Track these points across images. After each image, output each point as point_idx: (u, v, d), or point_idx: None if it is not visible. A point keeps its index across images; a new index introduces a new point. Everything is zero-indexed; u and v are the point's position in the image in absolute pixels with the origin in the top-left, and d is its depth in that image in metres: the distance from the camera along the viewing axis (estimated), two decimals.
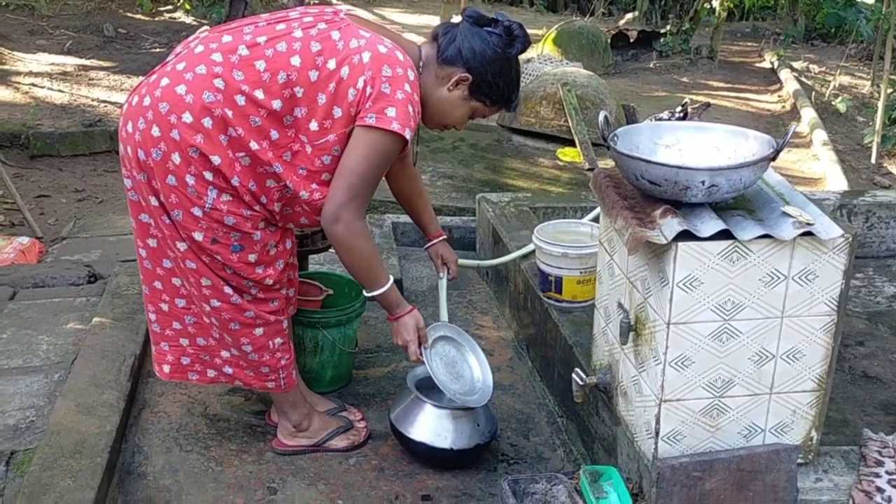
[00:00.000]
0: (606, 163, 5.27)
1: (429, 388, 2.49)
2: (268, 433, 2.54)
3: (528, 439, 2.59)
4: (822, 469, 2.09)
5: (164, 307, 2.30)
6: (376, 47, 2.08)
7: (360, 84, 2.04)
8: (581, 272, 2.70)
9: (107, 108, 6.73)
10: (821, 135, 6.90)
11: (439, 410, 2.40)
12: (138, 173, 2.10)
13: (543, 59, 7.40)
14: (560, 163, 5.79)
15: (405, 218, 4.02)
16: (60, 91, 7.01)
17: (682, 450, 2.00)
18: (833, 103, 7.88)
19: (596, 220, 2.81)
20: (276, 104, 2.05)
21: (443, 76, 2.19)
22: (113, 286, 3.25)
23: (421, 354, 2.32)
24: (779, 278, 1.88)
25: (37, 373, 2.76)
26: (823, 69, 9.24)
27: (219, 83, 2.03)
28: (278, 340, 2.33)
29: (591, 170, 5.49)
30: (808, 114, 7.47)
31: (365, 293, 2.29)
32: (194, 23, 9.24)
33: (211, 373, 2.37)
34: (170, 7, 9.92)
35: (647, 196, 1.99)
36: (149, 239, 2.21)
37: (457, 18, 2.31)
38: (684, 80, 9.21)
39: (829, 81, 8.54)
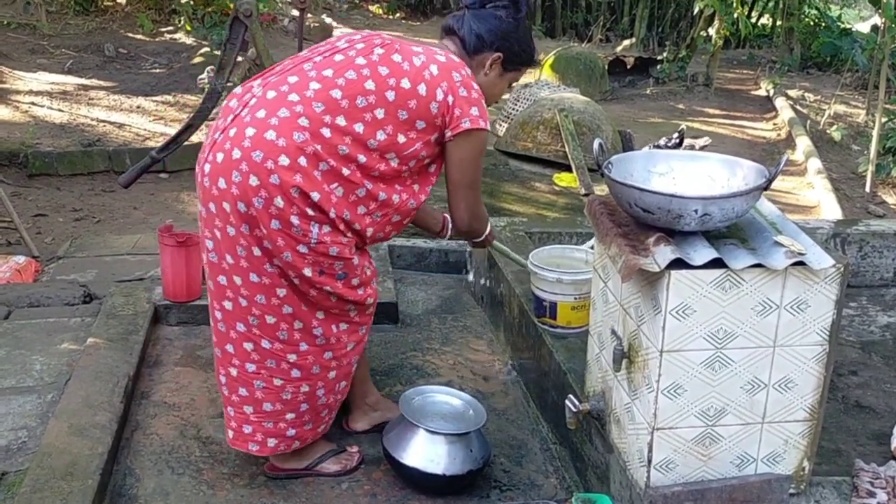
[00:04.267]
0: (602, 188, 5.29)
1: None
2: (260, 457, 2.53)
3: (522, 466, 2.59)
4: (815, 499, 2.09)
5: (234, 372, 2.32)
6: (435, 58, 2.22)
7: (440, 96, 2.19)
8: (575, 298, 2.70)
9: (106, 127, 6.75)
10: (815, 163, 6.93)
11: (432, 435, 2.39)
12: (239, 226, 2.12)
13: (541, 84, 7.44)
14: (556, 188, 5.82)
15: (401, 241, 4.03)
16: (60, 110, 7.03)
17: (675, 478, 2.00)
18: (828, 132, 7.93)
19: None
20: (359, 127, 2.13)
21: (476, 64, 2.35)
22: (108, 307, 3.25)
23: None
24: (771, 307, 1.89)
25: (30, 393, 2.75)
26: (819, 98, 9.30)
27: (303, 122, 2.09)
28: (343, 384, 2.42)
29: (587, 195, 5.52)
30: (803, 142, 7.50)
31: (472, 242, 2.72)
32: (194, 43, 9.30)
33: (272, 442, 2.38)
34: (170, 28, 9.98)
35: (640, 224, 2.00)
36: (224, 301, 2.25)
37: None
38: (680, 106, 9.27)
39: (825, 110, 8.59)
